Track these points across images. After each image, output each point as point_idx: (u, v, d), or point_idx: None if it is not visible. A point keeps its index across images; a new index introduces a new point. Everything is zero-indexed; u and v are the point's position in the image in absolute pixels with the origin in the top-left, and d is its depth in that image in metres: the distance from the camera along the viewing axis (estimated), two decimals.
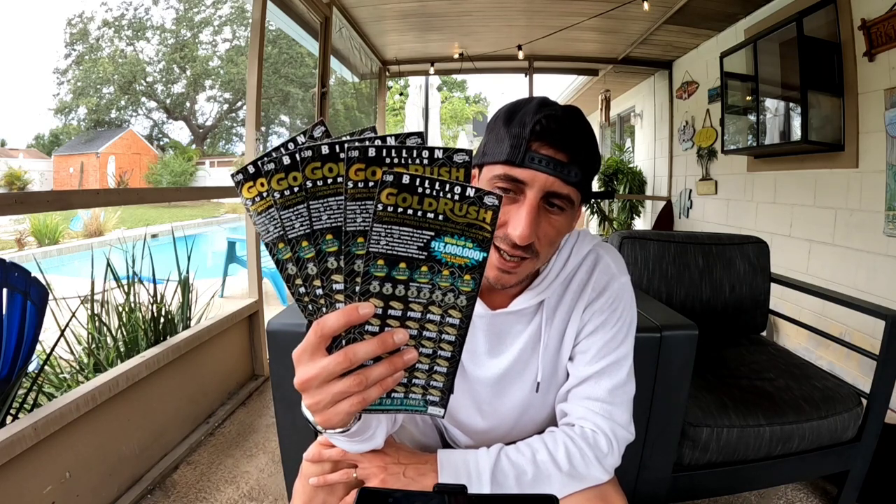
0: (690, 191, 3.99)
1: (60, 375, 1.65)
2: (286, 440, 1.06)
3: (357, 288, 0.39)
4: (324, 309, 0.40)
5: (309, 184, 0.37)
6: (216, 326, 1.96)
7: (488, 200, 0.37)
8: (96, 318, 1.75)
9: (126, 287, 1.86)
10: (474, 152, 0.69)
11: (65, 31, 23.35)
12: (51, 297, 1.35)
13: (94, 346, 1.73)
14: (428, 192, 0.37)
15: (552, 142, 0.59)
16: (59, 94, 23.99)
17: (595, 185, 5.48)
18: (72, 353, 1.69)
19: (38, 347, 1.35)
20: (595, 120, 6.62)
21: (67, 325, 1.53)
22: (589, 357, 0.72)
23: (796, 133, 2.46)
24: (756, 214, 3.07)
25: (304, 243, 0.39)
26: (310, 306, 0.41)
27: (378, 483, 0.65)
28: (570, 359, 0.74)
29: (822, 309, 2.37)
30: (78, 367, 1.67)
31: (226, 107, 25.75)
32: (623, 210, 5.10)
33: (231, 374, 2.13)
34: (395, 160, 0.37)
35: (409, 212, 0.37)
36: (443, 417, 0.45)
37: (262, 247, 2.59)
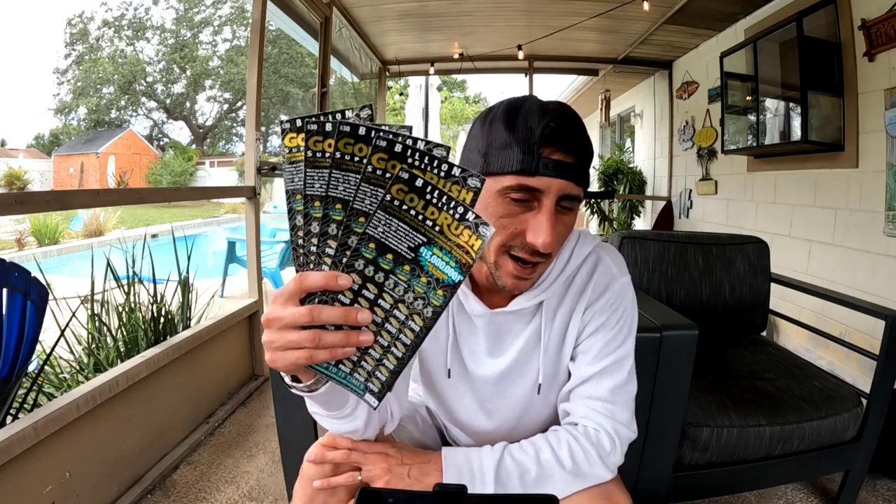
0: (690, 191, 3.99)
1: (60, 375, 1.65)
2: (286, 440, 1.06)
3: (344, 259, 0.42)
4: (311, 265, 0.44)
5: (338, 154, 0.41)
6: (216, 326, 1.96)
7: (482, 230, 0.41)
8: (96, 318, 1.75)
9: (126, 287, 1.86)
10: (462, 148, 0.67)
11: (65, 31, 23.36)
12: (51, 297, 1.35)
13: (94, 345, 1.73)
14: (434, 201, 0.40)
15: (562, 146, 0.58)
16: (59, 94, 24.01)
17: (595, 186, 5.46)
18: (72, 353, 1.69)
19: (38, 347, 1.35)
20: (595, 120, 6.61)
21: (67, 325, 1.53)
22: (590, 357, 0.72)
23: (796, 133, 2.46)
24: (756, 214, 3.07)
25: (317, 203, 0.42)
26: (301, 258, 0.44)
27: (383, 485, 0.65)
28: (572, 359, 0.74)
29: (822, 309, 2.37)
30: (78, 367, 1.67)
31: (226, 107, 25.75)
32: (623, 210, 5.09)
33: (231, 373, 2.13)
34: (416, 163, 0.40)
35: (412, 212, 0.40)
36: (375, 409, 0.48)
37: (262, 247, 2.59)
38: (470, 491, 0.63)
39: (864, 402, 1.29)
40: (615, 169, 5.18)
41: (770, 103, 2.71)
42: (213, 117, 26.09)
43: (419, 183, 0.40)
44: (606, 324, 0.72)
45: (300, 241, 0.44)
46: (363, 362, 0.46)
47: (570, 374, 0.75)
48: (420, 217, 0.41)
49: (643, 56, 4.20)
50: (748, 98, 2.91)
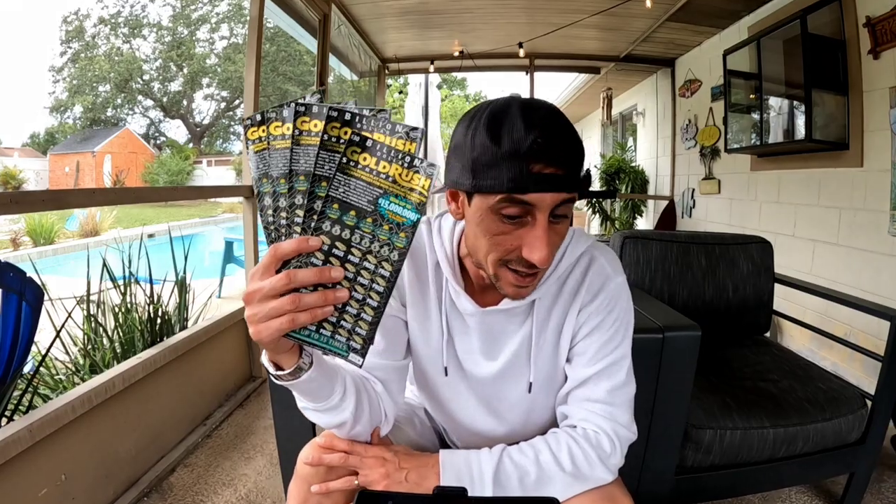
0: (693, 190, 3.99)
1: (56, 377, 1.65)
2: (284, 442, 1.06)
3: (312, 224, 0.47)
4: (283, 237, 0.48)
5: (296, 132, 0.45)
6: (213, 327, 1.96)
7: (428, 171, 0.47)
8: (92, 319, 1.75)
9: (122, 287, 1.86)
10: (446, 158, 0.66)
11: (60, 28, 23.36)
12: (46, 297, 1.35)
13: (90, 347, 1.73)
14: (384, 156, 0.46)
15: (552, 160, 0.56)
16: (55, 92, 24.05)
17: (597, 185, 5.43)
18: (67, 354, 1.69)
19: (34, 348, 1.35)
20: (597, 118, 6.62)
21: (63, 325, 1.53)
22: (586, 359, 0.72)
23: (800, 132, 2.46)
24: (759, 214, 3.07)
25: (282, 181, 0.47)
26: (272, 234, 0.48)
27: (381, 489, 0.65)
28: (568, 361, 0.75)
29: (826, 309, 2.37)
30: (74, 369, 1.68)
31: (223, 105, 25.75)
32: (625, 209, 5.10)
33: (228, 375, 2.13)
34: (364, 126, 0.46)
35: (367, 169, 0.46)
36: (360, 367, 0.52)
37: (260, 247, 2.60)
38: (469, 494, 0.64)
39: (869, 403, 1.29)
40: (617, 168, 5.18)
41: (774, 101, 2.71)
42: (211, 116, 26.10)
43: (369, 143, 0.46)
44: (602, 325, 0.72)
45: (270, 219, 0.48)
46: (342, 321, 0.50)
47: (567, 377, 0.75)
48: (374, 172, 0.46)
49: (645, 54, 4.20)
50: (752, 96, 2.92)
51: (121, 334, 1.77)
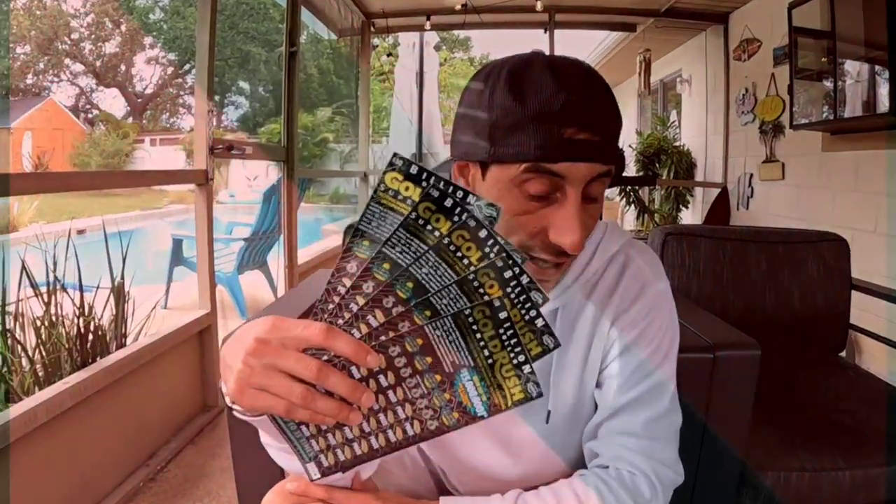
0: (751, 175, 4.00)
1: None
2: (245, 487, 1.06)
3: (382, 338, 0.46)
4: (339, 321, 0.46)
5: (446, 241, 0.43)
6: (159, 345, 1.96)
7: (531, 388, 0.46)
8: (8, 335, 1.75)
9: (46, 296, 1.86)
10: (455, 124, 0.65)
11: None
12: None
13: (5, 369, 1.73)
14: (504, 338, 0.45)
15: (588, 123, 0.56)
16: None
17: (633, 170, 5.42)
18: None
19: None
20: (632, 87, 6.62)
21: None
22: (620, 383, 0.72)
23: (884, 103, 2.46)
24: (833, 205, 3.07)
25: (386, 265, 0.44)
26: (330, 305, 0.46)
27: None
28: (598, 386, 0.74)
29: None
30: None
31: (170, 70, 25.78)
32: (667, 199, 5.10)
33: (177, 404, 2.14)
34: (512, 294, 0.44)
35: (478, 335, 0.45)
36: (312, 481, 0.52)
37: (216, 246, 2.57)
38: None
39: None
40: (657, 148, 5.19)
41: (850, 66, 2.71)
42: (155, 84, 26.13)
43: (502, 315, 0.44)
44: (639, 341, 0.71)
45: (341, 289, 0.46)
46: (331, 435, 0.50)
47: (596, 406, 0.75)
48: (482, 343, 0.45)
49: (692, 7, 4.21)
50: (823, 60, 2.92)
51: (43, 353, 1.78)
